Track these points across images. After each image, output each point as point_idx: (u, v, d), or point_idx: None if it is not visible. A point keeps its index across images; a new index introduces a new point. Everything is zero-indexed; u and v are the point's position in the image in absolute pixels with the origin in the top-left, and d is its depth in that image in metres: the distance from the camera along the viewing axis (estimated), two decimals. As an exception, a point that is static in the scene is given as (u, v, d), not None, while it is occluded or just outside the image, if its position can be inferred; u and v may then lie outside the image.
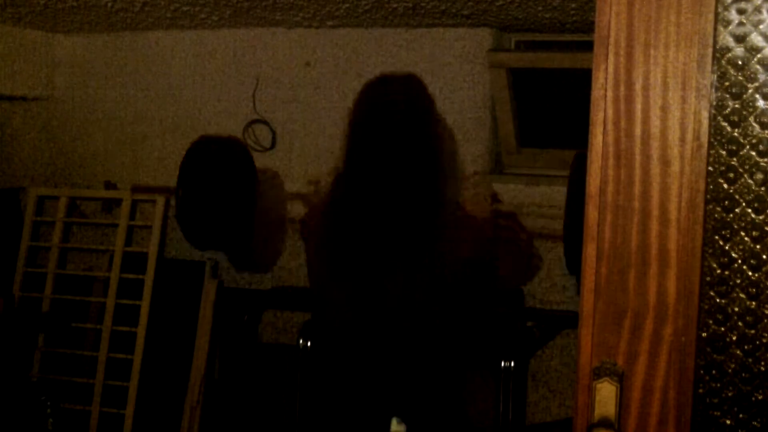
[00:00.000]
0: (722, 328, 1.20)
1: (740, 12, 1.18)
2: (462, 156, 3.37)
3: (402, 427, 2.52)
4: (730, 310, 1.20)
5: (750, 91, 1.18)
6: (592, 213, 1.23)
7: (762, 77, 1.17)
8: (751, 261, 1.18)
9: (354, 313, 2.52)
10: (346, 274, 2.53)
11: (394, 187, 2.48)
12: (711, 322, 1.20)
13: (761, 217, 1.18)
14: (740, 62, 1.18)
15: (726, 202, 1.19)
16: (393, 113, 2.52)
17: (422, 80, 2.62)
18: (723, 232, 1.19)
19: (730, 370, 1.20)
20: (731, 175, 1.19)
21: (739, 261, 1.19)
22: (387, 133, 2.50)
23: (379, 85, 2.59)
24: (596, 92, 1.23)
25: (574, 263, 2.78)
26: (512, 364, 2.94)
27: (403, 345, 2.52)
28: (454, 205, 2.56)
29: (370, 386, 2.55)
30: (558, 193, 3.31)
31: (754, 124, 1.18)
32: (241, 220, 3.11)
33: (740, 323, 1.19)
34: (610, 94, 1.22)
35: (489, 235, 2.59)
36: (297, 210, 3.59)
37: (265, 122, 3.68)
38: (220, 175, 3.05)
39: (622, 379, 1.22)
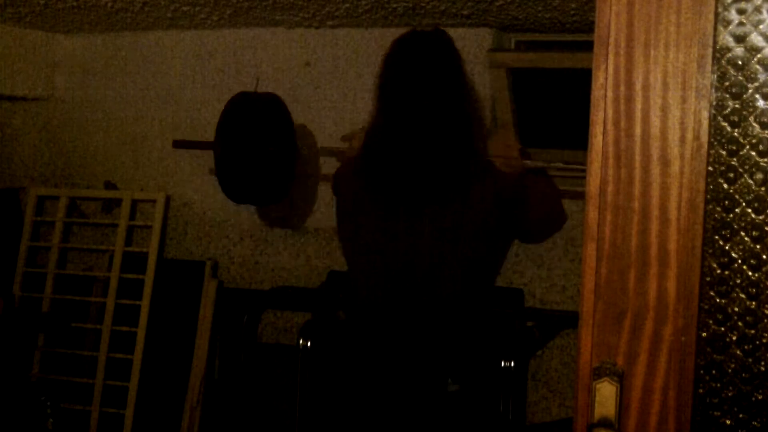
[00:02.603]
0: (722, 328, 1.20)
1: (740, 12, 1.18)
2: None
3: (456, 387, 2.56)
4: (730, 310, 1.20)
5: (750, 91, 1.18)
6: (592, 213, 1.23)
7: (762, 77, 1.17)
8: (751, 261, 1.18)
9: (384, 260, 2.56)
10: (377, 223, 2.60)
11: (425, 137, 2.55)
12: (711, 322, 1.20)
13: (761, 217, 1.18)
14: (740, 62, 1.18)
15: (726, 202, 1.19)
16: (424, 66, 2.56)
17: (449, 36, 2.65)
18: (723, 232, 1.19)
19: (730, 370, 1.20)
20: (731, 175, 1.19)
21: (739, 261, 1.19)
22: (418, 85, 2.56)
23: (410, 39, 2.62)
24: (596, 92, 1.23)
25: None
26: (512, 364, 2.93)
27: (431, 297, 2.56)
28: (482, 157, 2.61)
29: (393, 343, 2.59)
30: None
31: (754, 124, 1.18)
32: (277, 175, 3.11)
33: (740, 323, 1.19)
34: (610, 94, 1.22)
35: (516, 186, 2.63)
36: (329, 167, 3.54)
37: (265, 122, 3.67)
38: (258, 130, 3.04)
39: (622, 379, 1.22)
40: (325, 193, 3.59)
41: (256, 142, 3.05)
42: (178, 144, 3.37)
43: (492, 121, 3.44)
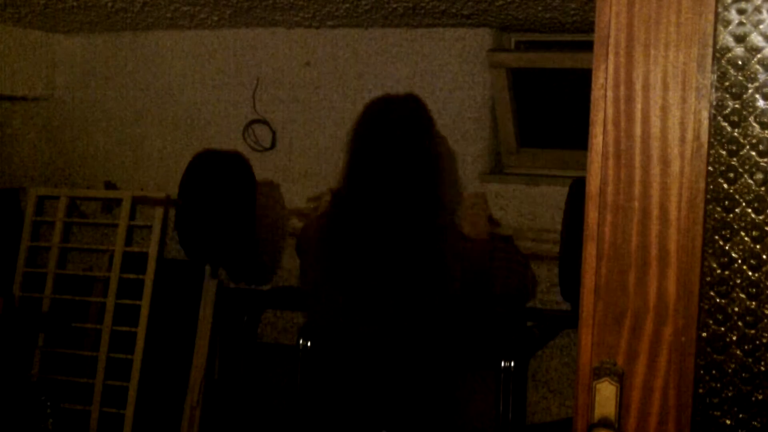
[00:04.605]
0: (722, 328, 1.20)
1: (740, 12, 1.18)
2: (462, 160, 3.39)
3: None
4: (730, 310, 1.20)
5: (750, 91, 1.18)
6: (592, 213, 1.23)
7: (762, 77, 1.17)
8: (751, 261, 1.18)
9: (348, 326, 2.54)
10: (341, 289, 2.55)
11: (393, 208, 2.50)
12: (711, 322, 1.20)
13: (761, 217, 1.18)
14: (740, 62, 1.18)
15: (726, 202, 1.19)
16: (394, 133, 2.54)
17: (422, 100, 2.64)
18: (723, 232, 1.19)
19: (730, 370, 1.20)
20: (731, 175, 1.19)
21: (739, 261, 1.19)
22: (387, 153, 2.52)
23: (381, 104, 2.60)
24: (596, 92, 1.23)
25: (568, 289, 2.75)
26: (512, 364, 2.93)
27: (396, 353, 2.53)
28: (451, 226, 2.57)
29: (364, 393, 2.57)
30: (558, 193, 3.31)
31: (754, 124, 1.18)
32: (240, 235, 3.10)
33: (740, 323, 1.19)
34: (610, 94, 1.22)
35: (485, 255, 2.60)
36: (296, 224, 3.57)
37: (265, 122, 3.68)
38: (221, 190, 3.04)
39: (622, 379, 1.22)
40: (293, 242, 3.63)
41: (217, 202, 3.03)
42: (138, 200, 3.36)
43: (492, 121, 3.45)
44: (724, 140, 1.19)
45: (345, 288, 2.55)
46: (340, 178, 2.63)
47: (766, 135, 1.17)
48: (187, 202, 3.01)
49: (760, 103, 1.17)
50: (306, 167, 3.65)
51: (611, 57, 1.22)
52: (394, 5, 2.98)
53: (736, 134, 1.18)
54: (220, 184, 3.02)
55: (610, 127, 1.22)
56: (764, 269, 1.18)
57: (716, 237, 1.19)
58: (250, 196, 3.11)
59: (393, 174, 2.51)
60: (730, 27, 1.18)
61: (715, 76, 1.19)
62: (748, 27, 1.17)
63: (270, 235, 3.54)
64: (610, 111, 1.22)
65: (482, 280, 2.61)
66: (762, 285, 1.18)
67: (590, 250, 1.23)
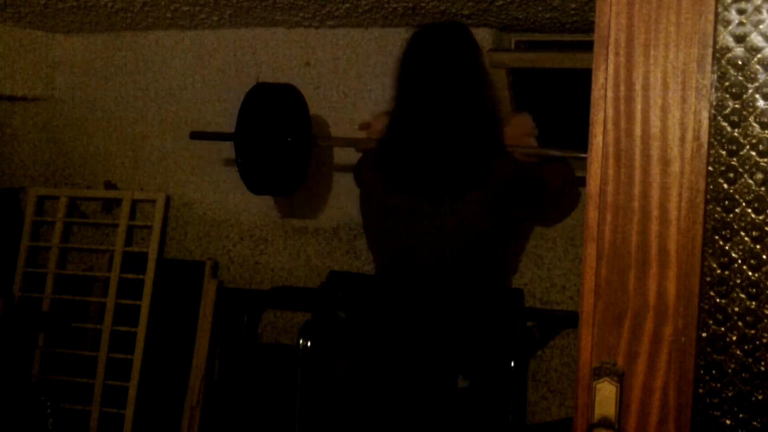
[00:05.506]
0: (722, 328, 1.20)
1: (740, 12, 1.18)
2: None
3: (466, 382, 2.57)
4: (730, 310, 1.20)
5: (750, 91, 1.18)
6: (592, 213, 1.23)
7: (762, 77, 1.17)
8: (751, 261, 1.18)
9: (405, 251, 2.57)
10: (398, 214, 2.63)
11: (442, 130, 2.57)
12: (711, 322, 1.20)
13: (761, 217, 1.18)
14: (740, 62, 1.18)
15: (726, 202, 1.19)
16: (440, 58, 2.57)
17: (468, 29, 2.66)
18: (723, 232, 1.19)
19: (730, 370, 1.20)
20: (731, 175, 1.19)
21: (739, 261, 1.19)
22: (435, 78, 2.58)
23: (427, 32, 2.63)
24: (596, 92, 1.23)
25: None
26: (512, 364, 2.93)
27: (448, 290, 2.60)
28: (499, 147, 2.64)
29: (435, 343, 2.59)
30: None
31: (754, 124, 1.18)
32: (295, 166, 3.13)
33: (740, 323, 1.19)
34: (610, 94, 1.22)
35: (533, 175, 2.64)
36: (342, 158, 3.55)
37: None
38: (277, 121, 3.05)
39: (622, 379, 1.22)
40: (339, 185, 3.60)
41: (274, 133, 3.05)
42: (196, 135, 3.34)
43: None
44: (724, 140, 1.19)
45: (402, 216, 2.58)
46: (391, 107, 2.66)
47: (766, 135, 1.17)
48: (245, 136, 3.03)
49: (760, 103, 1.17)
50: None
51: (611, 57, 1.22)
52: (394, 5, 2.98)
53: (736, 134, 1.18)
54: (276, 115, 3.04)
55: (610, 127, 1.22)
56: (764, 269, 1.18)
57: (716, 237, 1.20)
58: (305, 125, 3.13)
59: (443, 99, 2.56)
60: (730, 27, 1.18)
61: (715, 76, 1.19)
62: (748, 27, 1.17)
63: (317, 167, 3.53)
64: (610, 111, 1.22)
65: (532, 197, 2.66)
66: (762, 285, 1.18)
67: (590, 250, 1.23)
